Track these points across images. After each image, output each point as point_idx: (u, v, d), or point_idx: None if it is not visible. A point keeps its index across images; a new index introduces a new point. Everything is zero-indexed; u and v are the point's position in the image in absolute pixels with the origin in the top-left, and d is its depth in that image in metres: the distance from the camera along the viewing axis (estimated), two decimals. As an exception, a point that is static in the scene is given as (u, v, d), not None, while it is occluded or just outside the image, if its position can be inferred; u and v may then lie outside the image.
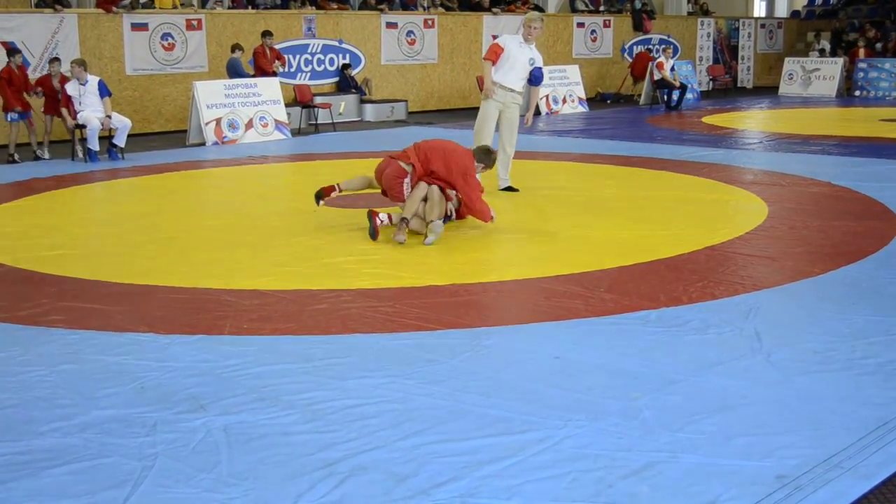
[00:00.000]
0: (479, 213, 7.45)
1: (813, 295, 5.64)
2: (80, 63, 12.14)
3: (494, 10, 20.83)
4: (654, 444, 3.58)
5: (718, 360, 4.50)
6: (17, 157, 12.12)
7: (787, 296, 5.63)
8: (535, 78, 9.31)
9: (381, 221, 7.32)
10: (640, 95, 21.12)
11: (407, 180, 7.47)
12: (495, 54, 9.19)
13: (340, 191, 7.84)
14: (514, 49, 9.15)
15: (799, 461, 3.43)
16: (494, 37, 20.46)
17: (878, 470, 3.37)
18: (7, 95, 12.11)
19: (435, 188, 7.34)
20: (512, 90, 9.23)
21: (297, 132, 15.44)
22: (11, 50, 12.53)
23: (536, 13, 9.68)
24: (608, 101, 21.72)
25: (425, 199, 7.32)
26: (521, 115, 9.52)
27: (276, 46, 16.20)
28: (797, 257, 6.58)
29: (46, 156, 12.40)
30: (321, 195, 7.80)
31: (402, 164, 7.48)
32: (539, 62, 9.29)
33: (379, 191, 7.81)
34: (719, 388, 4.15)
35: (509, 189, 9.41)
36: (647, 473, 3.35)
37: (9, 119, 12.19)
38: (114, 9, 15.00)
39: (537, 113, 18.40)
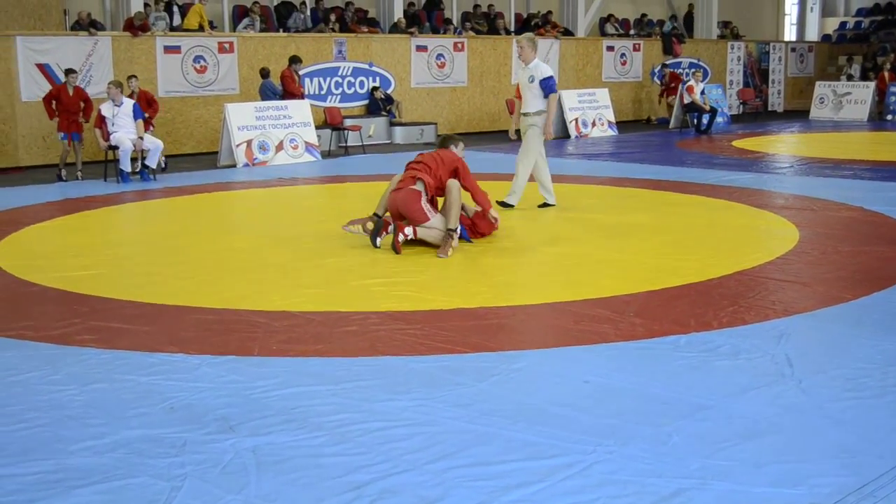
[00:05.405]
0: (483, 199, 7.91)
1: (845, 321, 5.58)
2: (117, 85, 12.32)
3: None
4: (684, 471, 3.55)
5: (749, 386, 4.46)
6: (64, 175, 12.33)
7: (818, 321, 5.58)
8: (543, 90, 9.49)
9: (406, 236, 7.43)
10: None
11: (424, 200, 7.56)
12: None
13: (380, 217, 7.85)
14: (518, 74, 9.42)
15: (831, 489, 3.38)
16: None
17: (912, 500, 3.33)
18: (53, 114, 12.41)
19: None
20: (525, 114, 9.55)
21: (327, 154, 15.54)
22: (67, 70, 12.81)
23: (522, 35, 9.98)
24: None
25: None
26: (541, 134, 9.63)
27: (308, 69, 16.32)
28: (829, 283, 6.52)
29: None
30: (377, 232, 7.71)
31: (413, 188, 7.57)
32: (541, 74, 9.44)
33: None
34: (750, 414, 4.11)
35: (504, 204, 9.52)
36: (676, 500, 3.32)
37: (61, 138, 12.45)
38: (140, 34, 15.17)
39: (566, 136, 18.50)
